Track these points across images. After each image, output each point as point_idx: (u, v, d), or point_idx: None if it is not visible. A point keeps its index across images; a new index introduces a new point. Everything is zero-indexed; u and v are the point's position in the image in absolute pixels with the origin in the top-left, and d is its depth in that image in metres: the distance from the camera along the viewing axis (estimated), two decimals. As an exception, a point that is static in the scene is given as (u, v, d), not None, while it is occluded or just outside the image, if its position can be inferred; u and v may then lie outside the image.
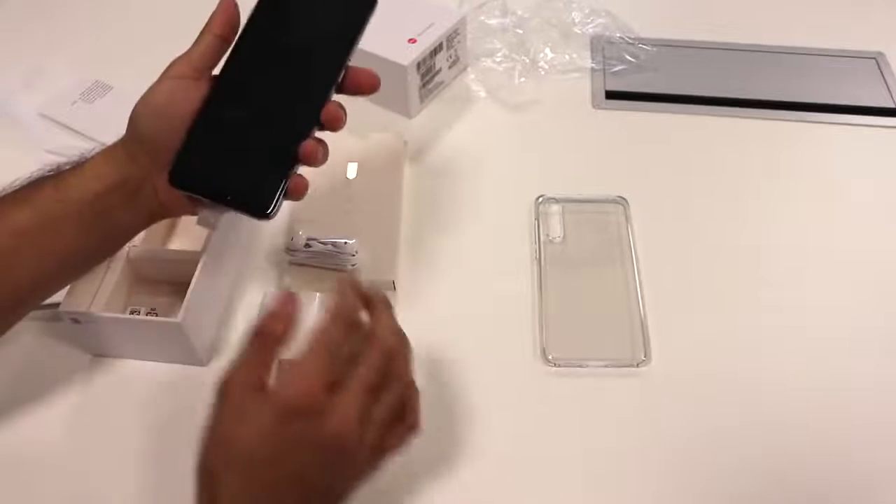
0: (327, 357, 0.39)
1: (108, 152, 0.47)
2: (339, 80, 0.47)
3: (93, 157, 0.46)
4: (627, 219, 0.64)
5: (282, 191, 0.45)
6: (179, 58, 0.47)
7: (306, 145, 0.45)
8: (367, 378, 0.40)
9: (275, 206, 0.45)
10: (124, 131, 0.47)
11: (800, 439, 0.52)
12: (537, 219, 0.64)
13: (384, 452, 0.42)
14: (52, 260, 0.45)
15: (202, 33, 0.47)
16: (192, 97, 0.46)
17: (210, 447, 0.40)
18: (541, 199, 0.65)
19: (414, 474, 0.50)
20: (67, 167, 0.47)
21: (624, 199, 0.65)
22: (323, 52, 0.47)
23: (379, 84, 0.48)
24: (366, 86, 0.48)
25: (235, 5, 0.47)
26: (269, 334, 0.40)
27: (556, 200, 0.65)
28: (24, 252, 0.44)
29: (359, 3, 0.49)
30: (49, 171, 0.47)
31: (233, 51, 0.47)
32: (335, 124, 0.46)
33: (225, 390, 0.40)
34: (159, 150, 0.45)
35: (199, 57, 0.46)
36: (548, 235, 0.63)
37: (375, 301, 0.44)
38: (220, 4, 0.47)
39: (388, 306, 0.44)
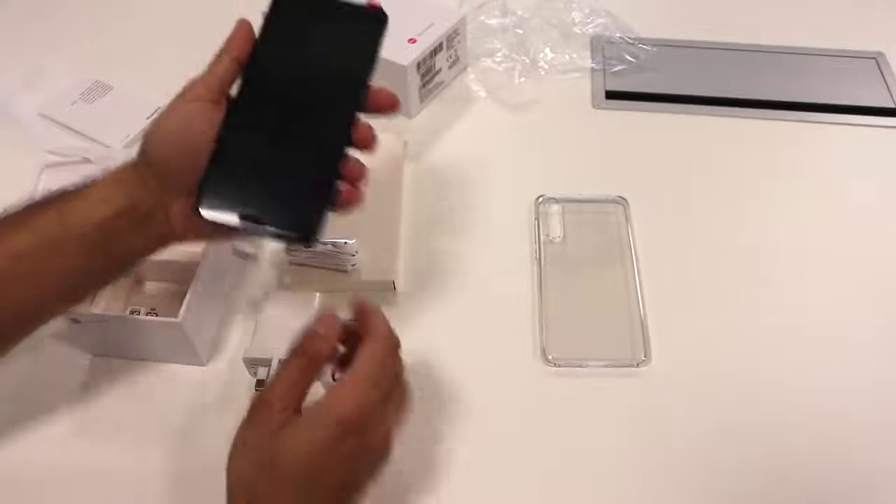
0: (380, 374, 0.41)
1: (117, 175, 0.44)
2: (364, 97, 0.46)
3: (100, 180, 0.44)
4: (627, 219, 0.64)
5: (324, 211, 0.43)
6: (195, 80, 0.46)
7: (350, 167, 0.44)
8: (389, 385, 0.42)
9: (319, 227, 0.43)
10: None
11: (800, 439, 0.52)
12: (537, 219, 0.64)
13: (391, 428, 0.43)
14: (53, 283, 0.44)
15: (219, 55, 0.46)
16: (209, 121, 0.43)
17: (246, 461, 0.40)
18: (541, 199, 0.65)
19: (414, 474, 0.50)
20: (72, 189, 0.45)
21: (624, 199, 0.65)
22: (343, 71, 0.46)
23: (398, 104, 0.47)
24: (385, 106, 0.46)
25: (251, 27, 0.46)
26: (313, 356, 0.42)
27: (556, 200, 0.65)
28: (23, 275, 0.43)
29: (370, 18, 0.47)
30: (53, 193, 0.45)
31: (248, 71, 0.46)
32: (369, 146, 0.45)
33: (266, 407, 0.40)
34: (173, 175, 0.44)
35: (217, 80, 0.45)
36: (548, 235, 0.63)
37: (365, 305, 0.45)
38: (237, 26, 0.46)
39: (377, 308, 0.45)
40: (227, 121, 0.44)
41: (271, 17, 0.47)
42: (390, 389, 0.42)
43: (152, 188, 0.44)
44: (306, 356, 0.41)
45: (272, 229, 0.43)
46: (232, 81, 0.45)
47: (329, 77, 0.46)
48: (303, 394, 0.41)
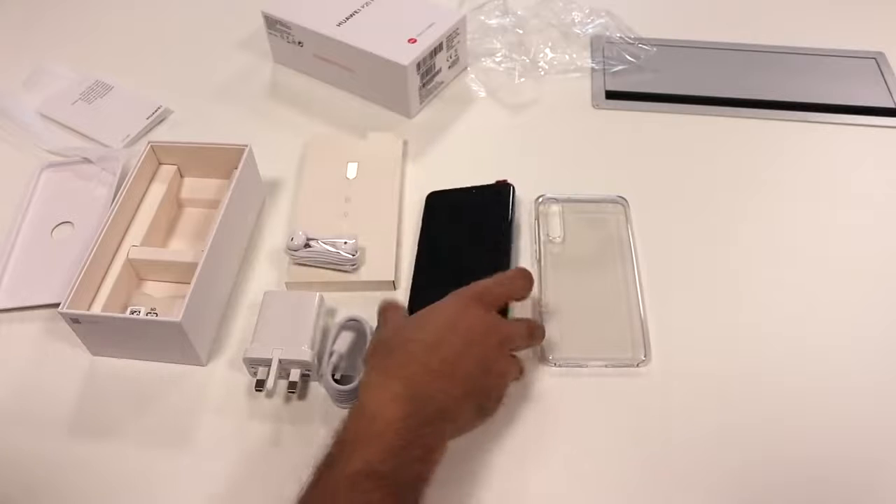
0: (506, 286, 0.52)
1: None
2: (509, 243, 0.61)
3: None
4: (627, 219, 0.64)
5: None
6: None
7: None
8: (528, 326, 0.53)
9: None
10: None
11: (800, 438, 0.52)
12: (537, 219, 0.64)
13: (504, 377, 0.50)
14: None
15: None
16: None
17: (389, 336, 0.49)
18: (541, 199, 0.65)
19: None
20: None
21: (624, 199, 0.65)
22: (492, 234, 0.62)
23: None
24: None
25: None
26: (513, 278, 0.55)
27: (557, 200, 0.65)
28: None
29: (502, 191, 0.64)
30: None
31: (423, 246, 0.62)
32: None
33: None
34: None
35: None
36: (548, 235, 0.63)
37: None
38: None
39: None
40: (416, 273, 0.60)
41: (427, 213, 0.64)
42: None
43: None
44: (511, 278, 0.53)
45: None
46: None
47: (483, 238, 0.62)
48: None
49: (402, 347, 0.47)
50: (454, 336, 0.47)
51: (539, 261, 0.61)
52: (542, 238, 0.62)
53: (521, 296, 0.54)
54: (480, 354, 0.47)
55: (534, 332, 0.53)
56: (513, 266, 0.60)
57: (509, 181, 0.65)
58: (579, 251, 0.62)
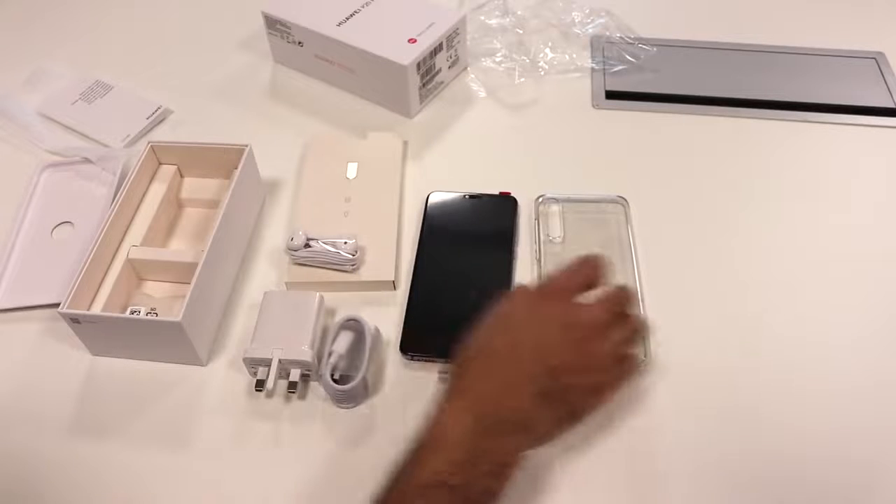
0: (578, 273, 0.50)
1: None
2: (512, 252, 0.61)
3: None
4: (627, 219, 0.64)
5: None
6: None
7: None
8: (603, 300, 0.49)
9: None
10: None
11: (800, 439, 0.52)
12: (537, 219, 0.64)
13: (615, 376, 0.48)
14: None
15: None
16: None
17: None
18: (541, 199, 0.65)
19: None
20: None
21: (624, 198, 0.65)
22: (494, 244, 0.62)
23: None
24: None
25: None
26: (580, 268, 0.51)
27: (557, 200, 0.65)
28: None
29: (506, 203, 0.65)
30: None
31: (422, 250, 0.62)
32: None
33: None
34: None
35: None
36: (548, 235, 0.63)
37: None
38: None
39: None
40: (414, 284, 0.59)
41: (428, 216, 0.64)
42: (619, 323, 0.49)
43: None
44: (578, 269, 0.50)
45: None
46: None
47: (485, 248, 0.62)
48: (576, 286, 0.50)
49: (473, 361, 0.46)
50: (525, 348, 0.46)
51: (539, 260, 0.61)
52: (542, 238, 0.62)
53: (593, 283, 0.50)
54: (556, 364, 0.45)
55: (612, 308, 0.49)
56: (514, 278, 0.60)
57: (512, 193, 0.65)
58: (579, 251, 0.62)
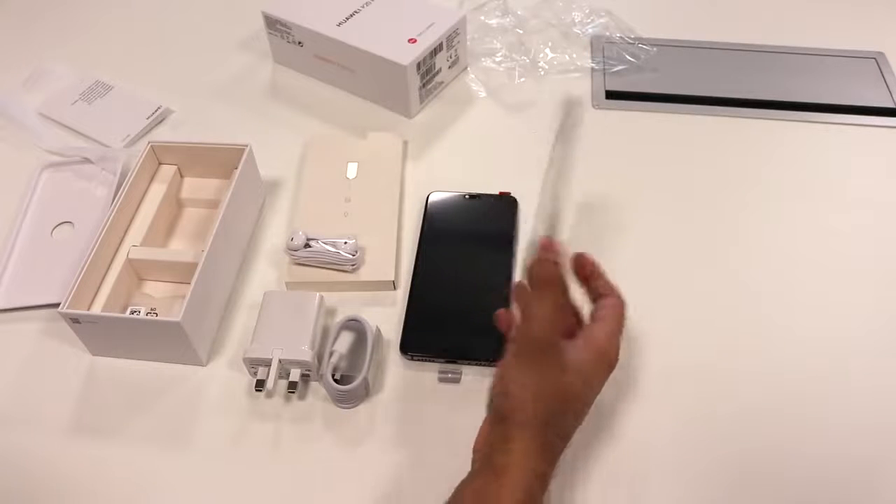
0: (621, 320, 0.49)
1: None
2: (512, 251, 0.61)
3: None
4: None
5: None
6: None
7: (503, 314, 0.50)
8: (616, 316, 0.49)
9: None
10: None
11: (801, 440, 0.52)
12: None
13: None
14: None
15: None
16: None
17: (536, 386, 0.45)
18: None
19: (420, 479, 0.50)
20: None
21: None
22: (494, 244, 0.62)
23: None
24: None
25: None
26: (548, 281, 0.47)
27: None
28: None
29: (506, 203, 0.64)
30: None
31: (422, 249, 0.61)
32: None
33: (537, 345, 0.46)
34: None
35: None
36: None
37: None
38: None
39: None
40: (414, 286, 0.59)
41: (428, 216, 0.64)
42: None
43: None
44: (544, 286, 0.46)
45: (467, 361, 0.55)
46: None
47: (485, 252, 0.61)
48: (561, 322, 0.46)
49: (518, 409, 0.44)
50: (580, 409, 0.47)
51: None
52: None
53: (549, 278, 0.46)
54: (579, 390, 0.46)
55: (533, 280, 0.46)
56: (514, 278, 0.59)
57: (512, 193, 0.65)
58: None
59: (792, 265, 0.61)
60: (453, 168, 0.70)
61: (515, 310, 0.47)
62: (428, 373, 0.55)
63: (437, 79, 0.75)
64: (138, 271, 0.61)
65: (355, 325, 0.55)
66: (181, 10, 0.88)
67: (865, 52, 0.80)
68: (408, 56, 0.69)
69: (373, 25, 0.73)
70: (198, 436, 0.53)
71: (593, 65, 0.79)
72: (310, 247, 0.60)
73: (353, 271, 0.60)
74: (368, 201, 0.65)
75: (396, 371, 0.56)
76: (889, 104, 0.75)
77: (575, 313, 0.50)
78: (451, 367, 0.55)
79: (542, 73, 0.78)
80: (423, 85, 0.73)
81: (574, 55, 0.79)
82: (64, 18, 0.88)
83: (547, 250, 0.47)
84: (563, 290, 0.47)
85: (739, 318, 0.58)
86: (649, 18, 0.83)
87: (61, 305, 0.53)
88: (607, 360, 0.47)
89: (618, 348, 0.48)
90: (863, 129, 0.72)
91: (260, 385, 0.53)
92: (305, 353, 0.53)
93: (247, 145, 0.63)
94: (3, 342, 0.59)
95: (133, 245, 0.60)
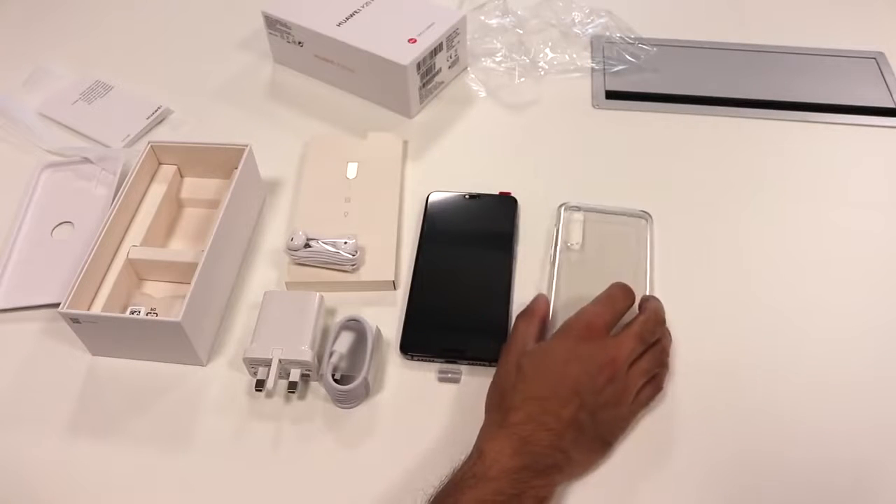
0: (610, 307, 0.52)
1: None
2: (513, 252, 0.61)
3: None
4: (650, 233, 0.63)
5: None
6: None
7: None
8: (637, 332, 0.50)
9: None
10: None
11: (802, 441, 0.52)
12: (557, 226, 0.63)
13: (639, 401, 0.51)
14: None
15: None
16: None
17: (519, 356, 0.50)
18: (563, 206, 0.64)
19: (420, 479, 0.50)
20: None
21: (647, 213, 0.64)
22: (494, 244, 0.62)
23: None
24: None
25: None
26: (534, 311, 0.54)
27: (579, 209, 0.64)
28: None
29: (506, 203, 0.65)
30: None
31: (422, 249, 0.62)
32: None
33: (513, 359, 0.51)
34: None
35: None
36: (567, 242, 0.62)
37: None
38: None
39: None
40: (414, 285, 0.59)
41: (428, 215, 0.64)
42: (649, 348, 0.51)
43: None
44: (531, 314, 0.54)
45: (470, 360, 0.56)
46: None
47: (485, 251, 0.62)
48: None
49: (520, 405, 0.48)
50: (564, 388, 0.48)
51: (553, 264, 0.61)
52: (559, 244, 0.62)
53: (624, 312, 0.53)
54: (592, 402, 0.48)
55: (645, 338, 0.51)
56: (515, 279, 0.60)
57: (512, 193, 0.65)
58: (596, 259, 0.61)
59: (791, 265, 0.61)
60: (453, 168, 0.70)
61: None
62: (428, 373, 0.55)
63: (437, 79, 0.75)
64: (138, 271, 0.61)
65: (355, 325, 0.55)
66: (181, 11, 0.88)
67: (865, 52, 0.80)
68: (408, 56, 0.69)
69: (373, 25, 0.73)
70: (198, 436, 0.53)
71: (593, 65, 0.79)
72: (310, 247, 0.60)
73: (353, 271, 0.60)
74: (368, 201, 0.65)
75: (396, 371, 0.56)
76: (889, 104, 0.75)
77: None
78: (450, 367, 0.55)
79: (542, 73, 0.78)
80: (423, 85, 0.73)
81: (574, 55, 0.79)
82: (64, 18, 0.88)
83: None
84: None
85: (739, 317, 0.58)
86: (649, 18, 0.83)
87: (61, 305, 0.53)
88: (571, 329, 0.50)
89: (590, 318, 0.51)
90: (863, 129, 0.72)
91: (260, 385, 0.53)
92: (305, 353, 0.53)
93: (247, 145, 0.63)
94: (3, 342, 0.59)
95: (133, 245, 0.60)
